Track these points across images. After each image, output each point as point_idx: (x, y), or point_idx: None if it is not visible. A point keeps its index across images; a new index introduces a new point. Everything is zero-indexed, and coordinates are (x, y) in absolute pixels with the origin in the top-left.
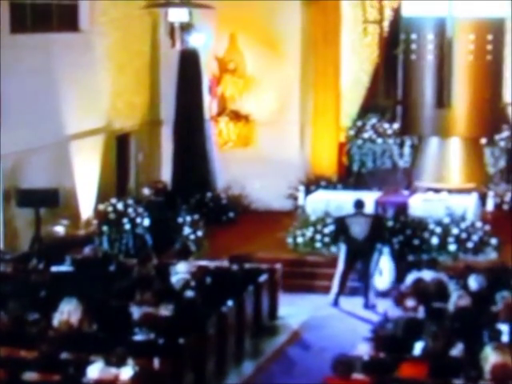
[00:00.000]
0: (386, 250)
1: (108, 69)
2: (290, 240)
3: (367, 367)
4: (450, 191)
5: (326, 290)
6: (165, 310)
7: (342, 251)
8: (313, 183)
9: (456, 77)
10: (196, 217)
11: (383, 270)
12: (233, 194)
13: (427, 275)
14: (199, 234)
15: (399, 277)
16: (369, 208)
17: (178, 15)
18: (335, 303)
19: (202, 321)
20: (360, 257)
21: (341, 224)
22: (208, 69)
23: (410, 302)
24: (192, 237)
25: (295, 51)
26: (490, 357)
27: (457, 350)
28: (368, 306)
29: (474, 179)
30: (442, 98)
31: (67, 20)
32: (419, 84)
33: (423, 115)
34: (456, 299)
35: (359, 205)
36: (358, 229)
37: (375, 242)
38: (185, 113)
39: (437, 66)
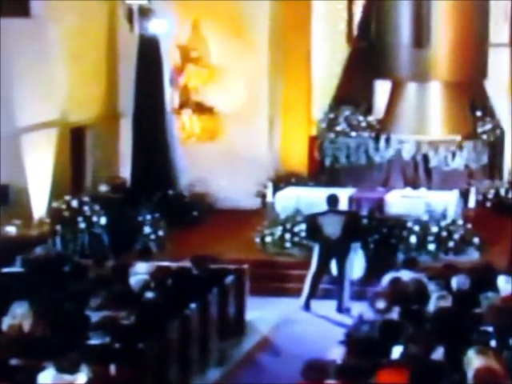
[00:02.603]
0: (357, 247)
1: (62, 57)
2: (258, 240)
3: (341, 372)
4: (432, 143)
5: (297, 292)
6: (122, 314)
7: (315, 251)
8: (282, 180)
9: (436, 12)
10: (157, 216)
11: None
12: (197, 192)
13: (405, 275)
14: (160, 233)
15: (371, 269)
16: (342, 205)
17: None
18: (306, 307)
19: (164, 324)
20: (334, 258)
21: (312, 223)
22: (170, 58)
23: (381, 304)
24: (153, 237)
25: (263, 39)
26: (474, 361)
27: (437, 354)
28: (342, 309)
29: (457, 129)
30: (421, 37)
31: (18, 4)
32: (394, 21)
33: (399, 57)
34: (436, 300)
35: (332, 201)
36: (331, 228)
37: (350, 242)
38: (145, 105)
39: (414, 1)
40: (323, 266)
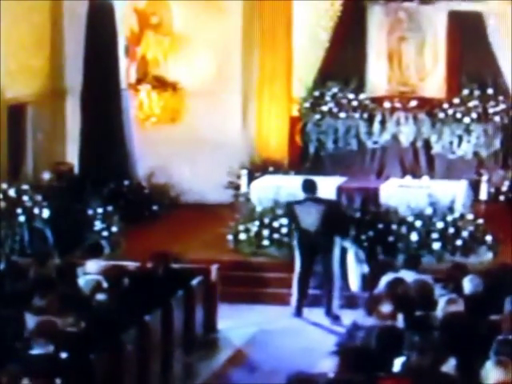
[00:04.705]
0: (350, 246)
1: None
2: (230, 237)
3: None
4: None
5: (276, 298)
6: (69, 319)
7: (295, 248)
8: (258, 169)
9: None
10: (110, 209)
11: (350, 273)
12: (157, 183)
13: (407, 276)
14: (114, 230)
15: (371, 279)
16: (330, 197)
17: None
18: (297, 313)
19: (118, 333)
20: (316, 254)
21: (290, 212)
22: (125, 24)
23: (386, 308)
24: (105, 233)
25: (236, 3)
26: (492, 374)
27: (448, 367)
28: (330, 313)
29: None
30: None
31: None
32: None
33: None
34: (445, 304)
35: (309, 187)
36: (309, 219)
37: (332, 236)
38: (96, 79)
39: None
40: (307, 264)
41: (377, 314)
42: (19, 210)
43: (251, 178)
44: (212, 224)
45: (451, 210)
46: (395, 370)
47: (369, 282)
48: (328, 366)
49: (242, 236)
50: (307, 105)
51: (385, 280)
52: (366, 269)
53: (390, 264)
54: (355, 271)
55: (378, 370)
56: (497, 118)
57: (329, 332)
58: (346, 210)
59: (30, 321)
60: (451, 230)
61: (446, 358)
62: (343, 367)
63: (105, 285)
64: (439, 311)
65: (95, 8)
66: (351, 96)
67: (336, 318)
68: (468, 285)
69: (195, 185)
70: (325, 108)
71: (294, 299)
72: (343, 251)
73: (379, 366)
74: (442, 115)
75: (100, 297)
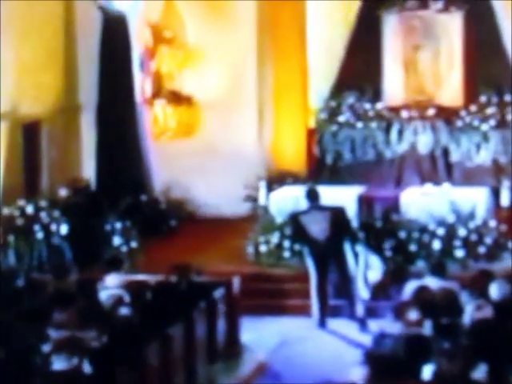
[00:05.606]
0: (360, 251)
1: (10, 39)
2: (250, 249)
3: None
4: None
5: (297, 310)
6: (91, 333)
7: (307, 258)
8: (276, 181)
9: None
10: (128, 224)
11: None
12: (174, 197)
13: (432, 283)
14: (133, 245)
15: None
16: (351, 207)
17: None
18: (321, 324)
19: (141, 346)
20: (329, 262)
21: (295, 223)
22: (139, 39)
23: (413, 314)
24: (124, 249)
25: (249, 14)
26: None
27: (479, 373)
28: (355, 318)
29: None
30: None
31: None
32: None
33: None
34: (473, 310)
35: (312, 196)
36: (317, 228)
37: (342, 241)
38: (110, 95)
39: None
40: (322, 273)
41: (403, 321)
42: (37, 227)
43: (269, 189)
44: (230, 237)
45: (473, 216)
46: (424, 377)
47: (380, 289)
48: (357, 374)
49: (263, 248)
50: (324, 116)
51: (410, 287)
52: (376, 275)
53: (406, 271)
54: (362, 277)
55: (407, 377)
56: None
57: (352, 342)
58: (367, 218)
59: (51, 335)
60: (474, 237)
61: (476, 364)
62: (372, 376)
63: (126, 299)
64: (467, 317)
65: (109, 23)
66: (368, 106)
67: (362, 322)
68: (495, 290)
69: (212, 198)
70: (341, 118)
71: (315, 310)
72: (356, 255)
73: (408, 373)
74: (459, 123)
75: (123, 311)
